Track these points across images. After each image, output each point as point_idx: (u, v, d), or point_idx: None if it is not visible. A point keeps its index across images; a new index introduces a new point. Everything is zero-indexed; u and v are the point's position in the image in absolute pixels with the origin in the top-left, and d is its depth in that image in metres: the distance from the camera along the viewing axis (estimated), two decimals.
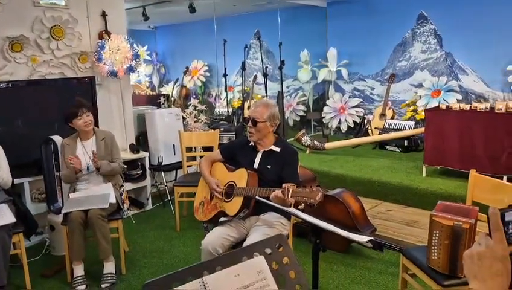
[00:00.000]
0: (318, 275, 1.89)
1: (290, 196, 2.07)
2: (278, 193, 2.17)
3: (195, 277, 1.14)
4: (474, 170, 2.41)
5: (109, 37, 4.08)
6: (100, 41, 4.05)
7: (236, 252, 1.30)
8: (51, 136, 3.47)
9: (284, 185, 2.14)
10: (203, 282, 1.13)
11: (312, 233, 1.78)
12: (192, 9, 6.12)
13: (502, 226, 0.86)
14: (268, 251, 1.29)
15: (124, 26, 4.50)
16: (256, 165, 2.59)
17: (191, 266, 1.17)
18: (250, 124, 2.55)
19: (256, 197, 2.27)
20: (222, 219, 2.58)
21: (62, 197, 3.50)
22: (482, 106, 3.97)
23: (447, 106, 4.32)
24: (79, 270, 2.96)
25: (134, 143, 4.62)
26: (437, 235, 2.04)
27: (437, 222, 2.04)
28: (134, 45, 4.21)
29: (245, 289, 1.17)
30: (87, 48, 4.12)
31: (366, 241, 1.68)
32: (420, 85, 5.85)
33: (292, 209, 2.04)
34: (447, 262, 2.01)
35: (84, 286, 2.92)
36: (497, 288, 0.81)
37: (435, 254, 2.06)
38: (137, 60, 4.18)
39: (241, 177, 2.53)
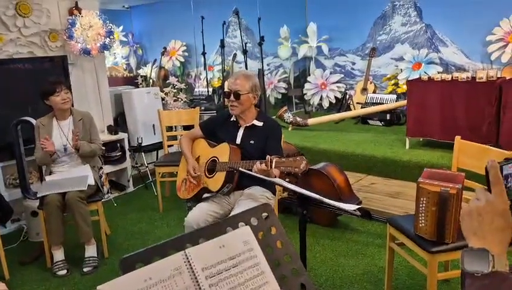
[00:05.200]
0: (306, 248, 1.85)
1: (273, 166, 2.01)
2: (260, 165, 2.10)
3: (177, 249, 1.07)
4: (459, 137, 2.39)
5: (80, 14, 3.88)
6: (70, 17, 3.85)
7: (220, 223, 1.23)
8: (26, 118, 3.31)
9: (267, 157, 2.08)
10: (186, 255, 1.06)
11: (299, 204, 1.72)
12: None
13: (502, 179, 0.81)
14: (254, 220, 1.23)
15: (95, 2, 4.29)
16: (238, 141, 2.51)
17: (172, 238, 1.09)
18: (232, 97, 2.45)
19: (240, 168, 2.19)
20: (205, 195, 2.51)
21: (41, 180, 3.36)
22: (463, 76, 3.96)
23: (429, 77, 4.30)
24: (59, 255, 2.86)
25: (112, 124, 4.48)
26: (424, 202, 2.01)
27: (424, 188, 2.01)
28: (108, 22, 4.03)
29: (231, 260, 1.10)
30: (57, 25, 3.92)
31: (354, 210, 1.64)
32: (401, 58, 5.82)
33: (277, 179, 1.98)
34: (435, 228, 1.99)
35: (65, 271, 2.83)
36: (498, 243, 0.76)
37: (422, 221, 2.04)
38: (111, 37, 4.00)
39: (223, 152, 2.45)
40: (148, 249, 1.04)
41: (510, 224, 0.77)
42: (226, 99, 2.53)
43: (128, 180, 4.44)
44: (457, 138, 2.39)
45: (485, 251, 0.74)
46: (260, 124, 2.52)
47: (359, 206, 1.65)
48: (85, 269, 2.85)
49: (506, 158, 0.88)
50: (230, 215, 2.23)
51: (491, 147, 2.27)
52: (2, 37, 3.57)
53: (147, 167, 4.50)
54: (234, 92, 2.44)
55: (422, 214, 2.04)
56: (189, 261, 1.06)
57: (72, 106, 3.28)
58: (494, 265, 0.73)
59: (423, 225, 2.04)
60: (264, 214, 1.26)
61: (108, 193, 4.00)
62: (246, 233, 1.18)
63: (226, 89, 2.51)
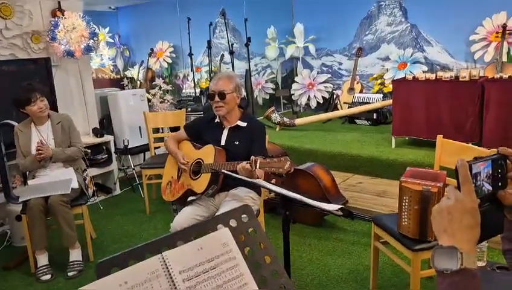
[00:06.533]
0: (289, 248, 1.85)
1: (258, 167, 2.00)
2: (245, 164, 2.10)
3: (153, 253, 1.06)
4: (441, 135, 2.41)
5: (63, 15, 3.84)
6: (53, 19, 3.81)
7: (198, 225, 1.22)
8: (7, 121, 3.26)
9: (252, 157, 2.07)
10: (163, 258, 1.05)
11: (281, 205, 1.72)
12: None
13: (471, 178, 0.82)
14: (233, 222, 1.22)
15: (79, 4, 4.25)
16: (223, 142, 2.51)
17: (148, 242, 1.09)
18: (217, 98, 2.45)
19: (223, 170, 2.19)
20: (190, 198, 2.50)
21: (25, 184, 3.31)
22: (447, 75, 4.00)
23: (413, 77, 4.34)
24: (43, 259, 2.83)
25: (98, 127, 4.43)
26: (406, 200, 2.03)
27: (406, 187, 2.03)
28: (92, 23, 3.99)
29: (209, 262, 1.10)
30: (39, 27, 3.87)
31: (337, 210, 1.64)
32: (387, 58, 5.87)
33: (259, 181, 1.98)
34: (417, 227, 2.01)
35: (49, 276, 2.80)
36: (467, 241, 0.77)
37: (405, 219, 2.05)
38: (95, 38, 3.96)
39: (208, 153, 2.44)
40: (124, 253, 1.04)
41: (478, 222, 0.78)
42: (210, 101, 2.52)
43: (115, 183, 4.41)
44: (439, 136, 2.41)
45: (454, 248, 0.75)
46: (244, 124, 2.52)
47: (341, 206, 1.65)
48: (69, 274, 2.81)
49: (475, 157, 0.89)
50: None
51: (473, 146, 2.30)
52: None
53: (133, 169, 4.47)
54: (219, 93, 2.44)
55: (405, 213, 2.05)
56: (166, 264, 1.05)
57: (55, 110, 3.24)
58: (463, 262, 0.74)
59: (406, 223, 2.05)
60: (244, 216, 1.25)
61: (94, 195, 3.95)
62: (225, 235, 1.17)
63: (210, 91, 2.50)
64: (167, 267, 1.04)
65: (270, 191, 1.85)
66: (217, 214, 2.33)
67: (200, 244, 1.13)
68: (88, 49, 3.93)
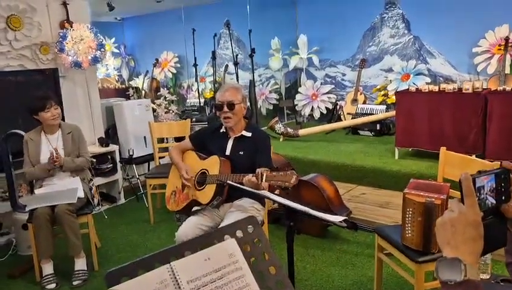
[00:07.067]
0: (294, 259, 1.86)
1: (264, 180, 2.03)
2: (251, 177, 2.12)
3: (162, 263, 1.08)
4: (445, 147, 2.43)
5: (71, 27, 3.91)
6: (62, 31, 3.88)
7: (205, 236, 1.24)
8: (16, 131, 3.30)
9: (257, 170, 2.10)
10: (172, 268, 1.08)
11: (286, 216, 1.74)
12: None
13: (474, 191, 0.84)
14: (239, 233, 1.25)
15: (87, 15, 4.32)
16: (228, 152, 2.53)
17: (156, 252, 1.11)
18: (225, 108, 2.47)
19: (229, 182, 2.21)
20: (195, 208, 2.52)
21: (32, 193, 3.34)
22: (450, 87, 4.03)
23: (417, 88, 4.37)
24: (48, 268, 2.85)
25: (103, 136, 4.48)
26: (410, 212, 2.04)
27: (410, 199, 2.04)
28: (99, 35, 4.06)
29: (216, 272, 1.12)
30: (48, 38, 3.94)
31: (340, 221, 1.66)
32: (390, 70, 5.91)
33: (264, 192, 2.00)
34: (421, 239, 2.01)
35: (54, 285, 2.81)
36: (470, 253, 0.79)
37: (409, 231, 2.07)
38: (102, 50, 4.02)
39: (213, 164, 2.47)
40: (133, 263, 1.06)
41: (481, 235, 0.80)
42: (218, 112, 2.55)
43: (119, 193, 4.43)
44: (443, 149, 2.43)
45: (458, 260, 0.77)
46: (249, 134, 2.55)
47: (345, 218, 1.67)
48: (74, 283, 2.83)
49: (479, 171, 0.91)
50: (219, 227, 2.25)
51: (476, 158, 2.31)
52: None
53: (138, 178, 4.50)
54: (228, 103, 2.46)
55: (409, 225, 2.06)
56: (174, 274, 1.07)
57: (63, 119, 3.28)
58: (466, 274, 0.76)
59: (410, 235, 2.06)
60: (250, 227, 1.27)
61: (99, 205, 3.98)
62: (231, 246, 1.19)
63: (217, 102, 2.53)
64: (175, 277, 1.07)
65: (275, 202, 1.86)
66: (221, 225, 2.34)
67: (207, 254, 1.15)
68: (95, 60, 3.99)
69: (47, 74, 3.88)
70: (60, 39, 3.83)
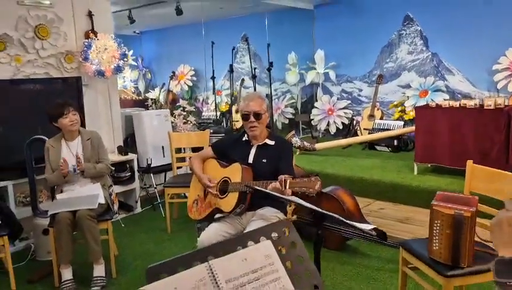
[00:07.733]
0: (320, 268, 1.83)
1: (287, 187, 2.01)
2: (275, 184, 2.11)
3: (200, 261, 1.08)
4: (471, 161, 2.40)
5: (96, 37, 3.99)
6: (87, 40, 3.96)
7: (240, 237, 1.24)
8: (39, 136, 3.35)
9: (280, 177, 2.08)
10: (210, 266, 1.07)
11: (314, 223, 1.72)
12: (179, 11, 6.05)
13: None
14: (275, 235, 1.23)
15: (111, 25, 4.42)
16: (251, 160, 2.53)
17: (195, 250, 1.10)
18: (252, 118, 2.48)
19: (255, 187, 2.20)
20: (217, 215, 2.51)
21: (53, 199, 3.37)
22: (471, 103, 4.00)
23: (437, 104, 4.34)
24: (67, 274, 2.84)
25: (122, 145, 4.52)
26: (438, 224, 2.01)
27: (438, 211, 2.01)
28: (122, 45, 4.13)
29: (253, 273, 1.11)
30: (73, 47, 4.02)
31: (370, 229, 1.64)
32: (408, 86, 5.90)
33: (293, 197, 1.98)
34: (449, 252, 1.97)
35: None
36: None
37: (436, 244, 2.02)
38: (125, 59, 4.10)
39: (235, 172, 2.46)
40: (173, 260, 1.05)
41: None
42: (244, 122, 2.56)
43: (136, 201, 4.44)
44: (469, 162, 2.40)
45: None
46: (272, 142, 2.55)
47: (374, 226, 1.65)
48: (93, 289, 2.82)
49: None
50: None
51: (503, 171, 2.27)
52: (20, 58, 3.67)
53: (155, 188, 4.51)
54: (254, 113, 2.47)
55: (437, 237, 2.02)
56: (212, 273, 1.06)
57: (84, 126, 3.32)
58: None
59: (437, 248, 2.02)
60: (285, 229, 1.26)
61: (117, 213, 3.99)
62: (268, 247, 1.18)
63: (243, 112, 2.53)
64: (213, 276, 1.06)
65: (303, 208, 1.84)
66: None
67: (244, 255, 1.14)
68: (118, 69, 4.06)
69: (70, 82, 3.94)
70: (85, 48, 3.91)
